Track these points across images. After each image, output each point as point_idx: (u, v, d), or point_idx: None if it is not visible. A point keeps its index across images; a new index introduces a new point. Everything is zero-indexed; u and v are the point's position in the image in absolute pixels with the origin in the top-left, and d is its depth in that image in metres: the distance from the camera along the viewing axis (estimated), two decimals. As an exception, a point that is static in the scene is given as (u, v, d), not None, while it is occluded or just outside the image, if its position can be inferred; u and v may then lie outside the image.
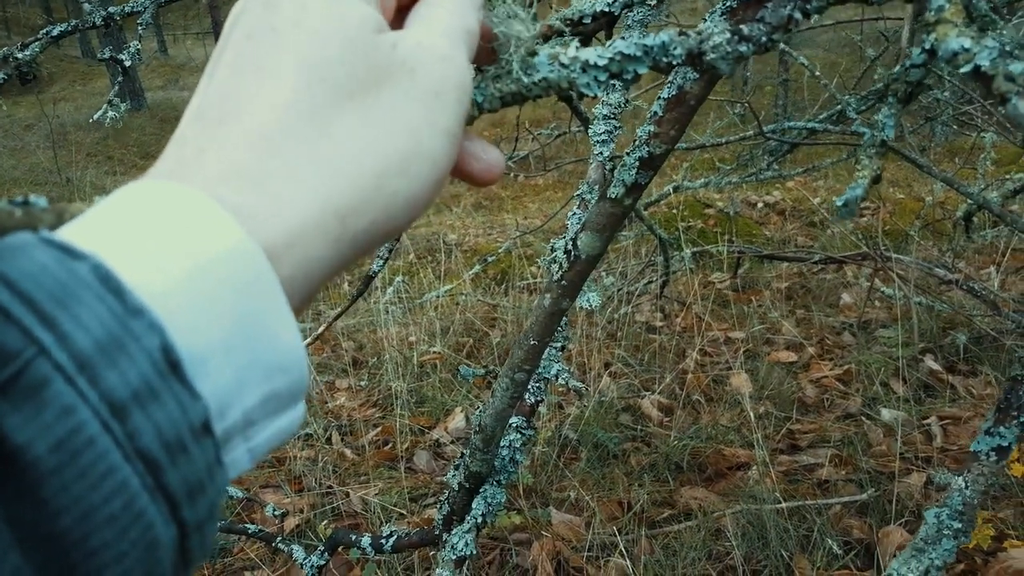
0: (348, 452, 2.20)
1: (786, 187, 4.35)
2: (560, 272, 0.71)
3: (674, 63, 0.32)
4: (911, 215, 3.73)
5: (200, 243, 0.23)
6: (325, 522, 1.82)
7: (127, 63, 1.34)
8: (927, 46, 0.38)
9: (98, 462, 0.19)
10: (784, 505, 1.77)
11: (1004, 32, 0.43)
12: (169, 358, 0.21)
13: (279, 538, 0.98)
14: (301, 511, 1.89)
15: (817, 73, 2.05)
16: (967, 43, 0.37)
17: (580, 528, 1.81)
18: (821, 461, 2.01)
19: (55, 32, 1.38)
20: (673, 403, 2.38)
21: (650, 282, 3.29)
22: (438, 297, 3.47)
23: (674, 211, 4.02)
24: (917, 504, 1.74)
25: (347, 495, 1.86)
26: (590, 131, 0.93)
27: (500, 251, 3.86)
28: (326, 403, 2.56)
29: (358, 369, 2.87)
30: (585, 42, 0.92)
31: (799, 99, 6.39)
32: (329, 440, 2.26)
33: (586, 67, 0.33)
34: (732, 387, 2.42)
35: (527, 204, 6.25)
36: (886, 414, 2.17)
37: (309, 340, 1.24)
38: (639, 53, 0.32)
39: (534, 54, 0.34)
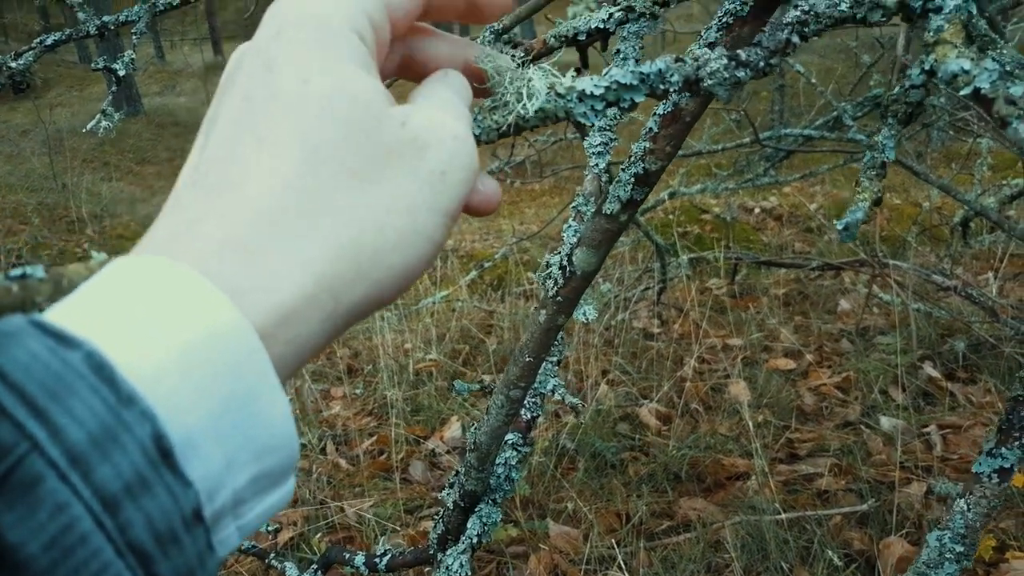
0: (343, 463, 2.18)
1: (783, 192, 4.35)
2: (556, 288, 0.70)
3: (671, 90, 0.32)
4: (908, 221, 3.72)
5: (192, 323, 0.23)
6: (319, 535, 1.80)
7: (121, 73, 1.33)
8: (926, 67, 0.37)
9: (91, 560, 0.19)
10: (784, 516, 1.76)
11: (1004, 51, 0.42)
12: (161, 446, 0.21)
13: (272, 554, 0.97)
14: (294, 524, 1.88)
15: (813, 80, 2.05)
16: (967, 65, 0.36)
17: (578, 540, 1.80)
18: (820, 470, 2.00)
19: (49, 41, 1.36)
20: (671, 411, 2.36)
21: (647, 288, 3.28)
22: (434, 303, 3.46)
23: (671, 216, 4.01)
24: (918, 514, 1.73)
25: (342, 509, 1.84)
26: (585, 143, 0.92)
27: (496, 257, 3.85)
28: (321, 412, 2.54)
29: (353, 377, 2.86)
30: (581, 52, 0.91)
31: (795, 104, 6.40)
32: (323, 450, 2.24)
33: (583, 97, 0.33)
34: (730, 395, 2.41)
35: (523, 209, 6.24)
36: (885, 422, 2.16)
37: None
38: (635, 81, 0.32)
39: (530, 87, 0.34)
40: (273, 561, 0.96)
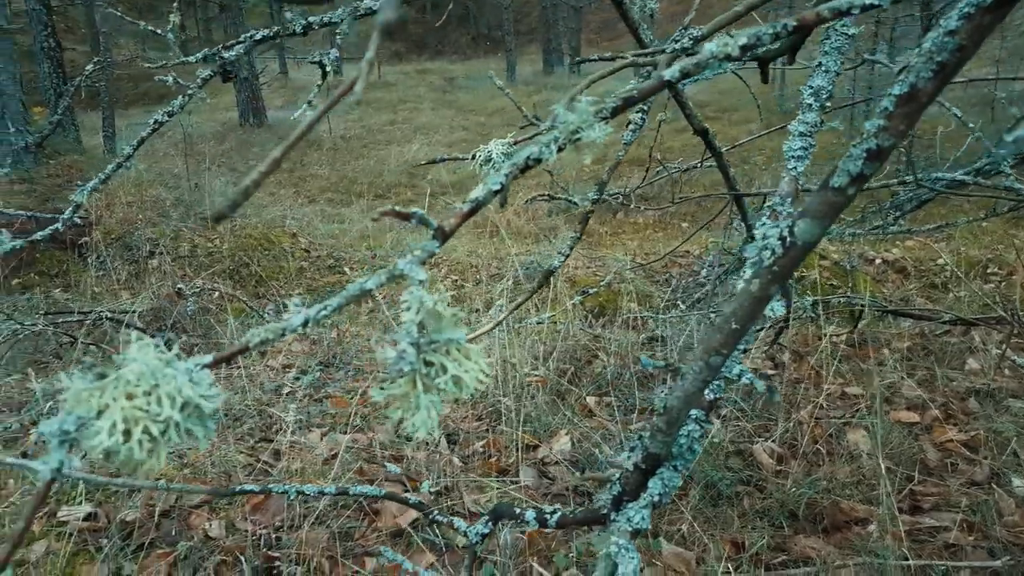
0: (456, 459, 2.22)
1: (906, 245, 4.20)
2: (772, 258, 0.72)
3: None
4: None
5: None
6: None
7: (328, 68, 1.45)
8: None
9: None
10: (911, 563, 1.69)
11: None
12: None
13: (435, 511, 1.01)
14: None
15: (971, 125, 2.00)
16: None
17: (691, 562, 1.77)
18: (947, 524, 1.91)
19: (258, 36, 1.51)
20: (786, 452, 2.31)
21: (760, 329, 3.22)
22: (540, 323, 3.50)
23: (786, 261, 3.92)
24: (1059, 579, 1.64)
25: (460, 498, 1.88)
26: (784, 146, 0.96)
27: (602, 284, 3.87)
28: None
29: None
30: (763, 68, 0.91)
31: (928, 155, 6.18)
32: (438, 444, 2.29)
33: None
34: (849, 442, 2.34)
35: (626, 241, 6.23)
36: (1019, 483, 2.05)
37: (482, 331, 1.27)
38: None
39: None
40: (438, 516, 0.99)
